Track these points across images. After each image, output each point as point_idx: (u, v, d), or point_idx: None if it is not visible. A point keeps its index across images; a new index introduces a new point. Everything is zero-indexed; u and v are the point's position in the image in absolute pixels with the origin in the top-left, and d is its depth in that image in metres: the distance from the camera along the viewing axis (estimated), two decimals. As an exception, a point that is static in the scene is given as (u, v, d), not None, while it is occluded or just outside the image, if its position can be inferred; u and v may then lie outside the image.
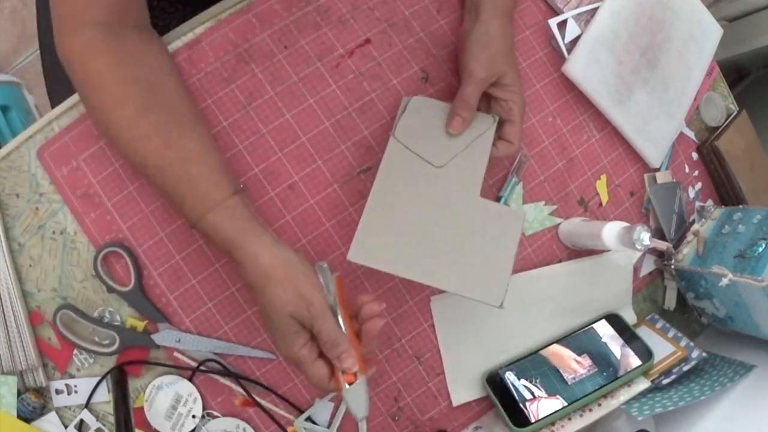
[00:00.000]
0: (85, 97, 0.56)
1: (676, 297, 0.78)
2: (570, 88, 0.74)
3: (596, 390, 0.67)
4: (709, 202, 0.81)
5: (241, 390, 0.65)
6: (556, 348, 0.71)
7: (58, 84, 0.78)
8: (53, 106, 0.65)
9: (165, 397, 0.64)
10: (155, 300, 0.64)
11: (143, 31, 0.58)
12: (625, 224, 0.63)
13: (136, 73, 0.55)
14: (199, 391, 0.65)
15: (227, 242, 0.54)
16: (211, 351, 0.64)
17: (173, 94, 0.57)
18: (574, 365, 0.69)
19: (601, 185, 0.75)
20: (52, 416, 0.63)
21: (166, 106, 0.55)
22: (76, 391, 0.64)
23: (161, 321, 0.64)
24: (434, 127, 0.64)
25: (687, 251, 0.74)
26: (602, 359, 0.69)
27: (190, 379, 0.64)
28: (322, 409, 0.67)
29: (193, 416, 0.65)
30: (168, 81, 0.57)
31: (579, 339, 0.71)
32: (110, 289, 0.63)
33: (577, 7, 0.74)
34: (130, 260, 0.63)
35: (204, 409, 0.66)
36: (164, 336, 0.63)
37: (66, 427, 0.64)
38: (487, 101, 0.66)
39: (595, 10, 0.73)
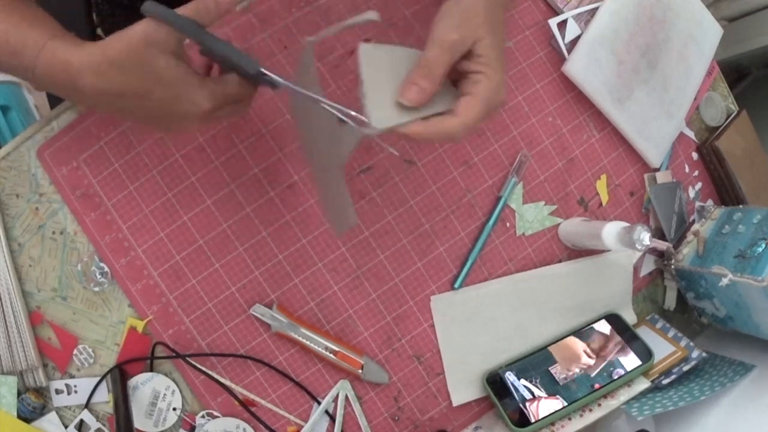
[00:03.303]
0: None
1: (676, 297, 0.78)
2: (570, 88, 0.74)
3: (596, 390, 0.67)
4: (709, 202, 0.81)
5: (241, 390, 0.65)
6: (566, 341, 0.71)
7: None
8: (52, 106, 0.65)
9: (142, 396, 0.64)
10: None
11: None
12: (625, 224, 0.63)
13: None
14: (177, 384, 0.65)
15: (64, 68, 0.47)
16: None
17: None
18: (585, 359, 0.69)
19: (601, 185, 0.75)
20: (52, 416, 0.63)
21: None
22: (76, 391, 0.64)
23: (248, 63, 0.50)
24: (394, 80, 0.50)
25: (687, 251, 0.74)
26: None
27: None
28: (319, 427, 0.67)
29: (174, 409, 0.65)
30: None
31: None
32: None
33: (577, 7, 0.74)
34: (171, 20, 0.48)
35: (204, 409, 0.66)
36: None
37: (66, 427, 0.64)
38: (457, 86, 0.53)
39: (595, 10, 0.73)
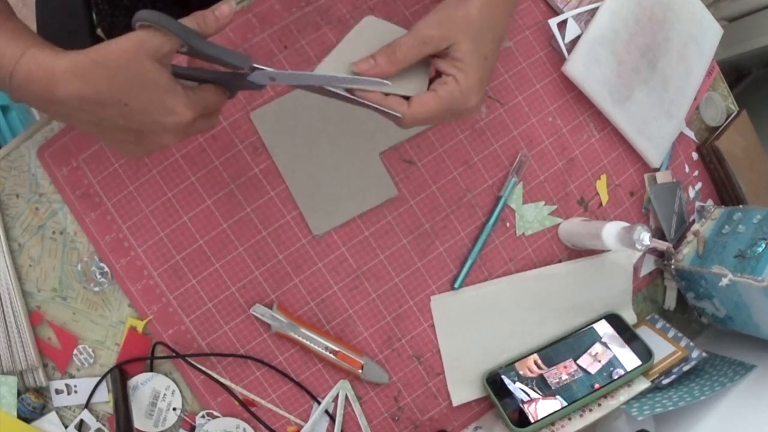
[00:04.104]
0: None
1: (676, 297, 0.78)
2: (570, 88, 0.74)
3: (596, 390, 0.67)
4: (709, 202, 0.81)
5: (241, 390, 0.65)
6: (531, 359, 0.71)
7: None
8: (53, 106, 0.65)
9: (142, 396, 0.64)
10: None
11: None
12: (625, 224, 0.63)
13: None
14: (177, 384, 0.65)
15: (46, 75, 0.45)
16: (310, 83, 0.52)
17: None
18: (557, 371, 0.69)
19: (601, 185, 0.75)
20: (52, 416, 0.63)
21: None
22: (76, 391, 0.64)
23: (244, 62, 0.50)
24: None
25: (687, 251, 0.74)
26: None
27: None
28: (319, 427, 0.67)
29: (174, 409, 0.65)
30: None
31: (579, 339, 0.71)
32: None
33: (577, 7, 0.74)
34: (164, 23, 0.47)
35: (204, 409, 0.66)
36: (258, 76, 0.51)
37: (66, 427, 0.64)
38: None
39: (595, 10, 0.73)
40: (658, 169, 0.77)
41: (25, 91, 0.47)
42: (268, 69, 0.50)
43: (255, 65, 0.50)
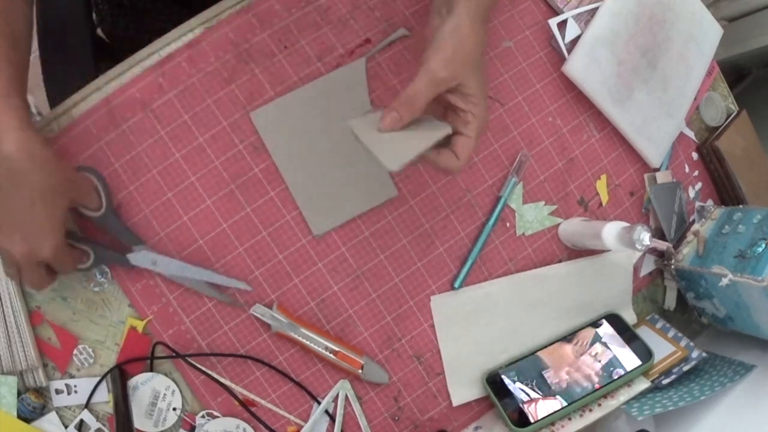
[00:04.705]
0: None
1: (676, 297, 0.78)
2: (570, 88, 0.74)
3: (596, 390, 0.67)
4: (709, 202, 0.81)
5: (241, 390, 0.65)
6: (556, 347, 0.71)
7: (58, 85, 0.78)
8: (52, 107, 0.65)
9: (142, 396, 0.64)
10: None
11: None
12: (625, 224, 0.63)
13: None
14: (177, 384, 0.65)
15: None
16: (186, 276, 0.63)
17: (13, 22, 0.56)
18: (579, 367, 0.69)
19: (601, 185, 0.75)
20: (52, 416, 0.63)
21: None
22: (76, 391, 0.64)
23: (136, 243, 0.63)
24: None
25: (687, 251, 0.74)
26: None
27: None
28: (319, 427, 0.67)
29: (174, 409, 0.65)
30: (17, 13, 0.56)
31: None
32: (82, 217, 0.61)
33: (577, 7, 0.74)
34: (100, 184, 0.61)
35: (204, 409, 0.66)
36: (139, 257, 0.62)
37: (66, 427, 0.64)
38: (443, 111, 0.58)
39: (595, 10, 0.73)
40: (658, 169, 0.77)
41: None
42: (151, 253, 0.61)
43: (140, 248, 0.61)
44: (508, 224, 0.72)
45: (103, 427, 0.64)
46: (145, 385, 0.64)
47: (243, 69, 0.66)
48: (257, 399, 0.66)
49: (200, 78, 0.65)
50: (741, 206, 0.77)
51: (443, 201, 0.70)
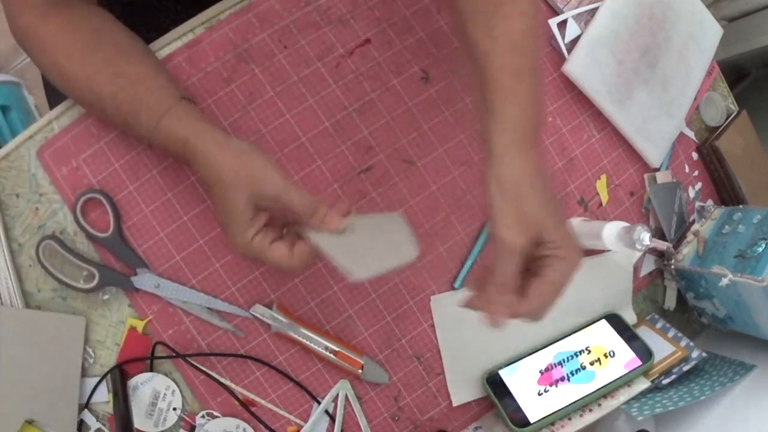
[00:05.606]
0: (41, 62, 0.57)
1: (676, 297, 0.78)
2: (570, 88, 0.74)
3: (596, 390, 0.67)
4: (709, 202, 0.81)
5: (241, 390, 0.65)
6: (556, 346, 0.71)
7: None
8: (52, 106, 0.65)
9: (142, 396, 0.64)
10: (136, 246, 0.64)
11: (89, 4, 0.60)
12: (625, 224, 0.63)
13: (82, 24, 0.57)
14: (177, 384, 0.65)
15: (180, 145, 0.54)
16: (188, 300, 0.64)
17: (117, 33, 0.58)
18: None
19: (601, 185, 0.75)
20: (52, 416, 0.63)
21: (112, 43, 0.57)
22: (76, 391, 0.64)
23: (141, 266, 0.63)
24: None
25: (687, 251, 0.74)
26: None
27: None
28: (319, 427, 0.67)
29: (174, 409, 0.65)
30: (112, 24, 0.59)
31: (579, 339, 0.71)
32: (90, 237, 0.62)
33: (577, 7, 0.74)
34: (109, 207, 0.62)
35: (204, 409, 0.66)
36: (143, 280, 0.63)
37: (66, 427, 0.64)
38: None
39: (595, 10, 0.73)
40: (658, 169, 0.77)
41: (166, 146, 0.55)
42: (154, 276, 0.62)
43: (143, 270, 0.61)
44: (508, 224, 0.72)
45: (103, 427, 0.64)
46: (145, 385, 0.64)
47: (243, 69, 0.66)
48: (257, 399, 0.66)
49: (200, 78, 0.65)
50: (741, 206, 0.77)
51: (443, 201, 0.70)
